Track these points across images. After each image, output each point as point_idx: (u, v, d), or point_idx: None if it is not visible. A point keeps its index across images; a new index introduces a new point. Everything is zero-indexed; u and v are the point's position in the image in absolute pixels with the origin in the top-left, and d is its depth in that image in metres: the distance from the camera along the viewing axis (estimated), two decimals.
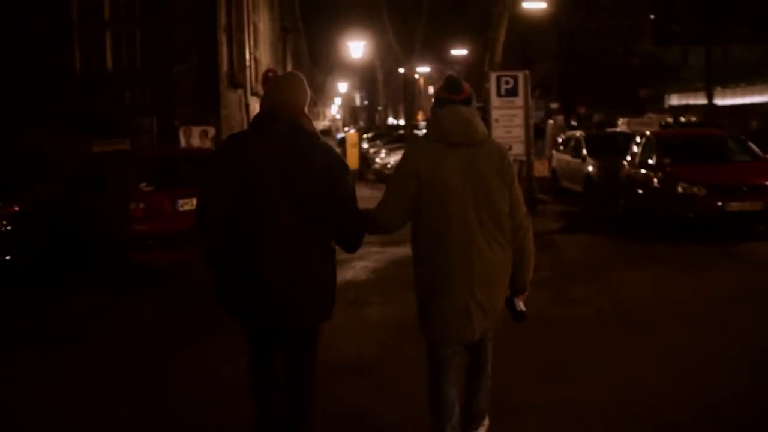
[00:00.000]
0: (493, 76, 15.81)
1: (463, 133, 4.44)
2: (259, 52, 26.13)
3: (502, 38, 19.48)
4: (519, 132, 15.81)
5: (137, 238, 9.99)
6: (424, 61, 49.46)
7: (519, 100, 15.83)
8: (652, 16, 56.06)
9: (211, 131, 14.55)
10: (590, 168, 18.61)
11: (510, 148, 14.64)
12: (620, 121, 40.43)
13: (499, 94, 15.77)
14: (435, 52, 57.67)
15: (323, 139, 4.47)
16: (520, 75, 15.87)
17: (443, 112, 4.51)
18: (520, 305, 4.67)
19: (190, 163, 10.99)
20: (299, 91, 4.39)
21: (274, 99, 4.37)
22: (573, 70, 48.38)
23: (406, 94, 36.31)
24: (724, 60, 47.36)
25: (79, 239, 10.74)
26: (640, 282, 9.97)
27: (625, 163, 16.35)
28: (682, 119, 42.34)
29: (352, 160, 28.25)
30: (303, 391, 4.42)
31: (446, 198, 4.38)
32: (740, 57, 51.71)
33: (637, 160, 15.43)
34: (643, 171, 14.84)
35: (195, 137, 14.37)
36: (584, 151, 19.12)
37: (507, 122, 15.78)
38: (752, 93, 48.08)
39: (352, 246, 4.49)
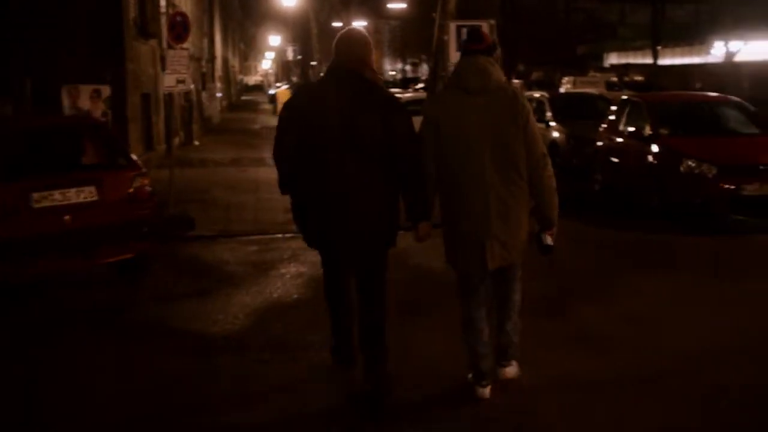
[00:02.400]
0: (452, 27, 12.85)
1: (479, 80, 4.71)
2: None
3: None
4: None
5: None
6: (360, 14, 46.46)
7: None
8: None
9: (106, 91, 11.28)
10: (555, 135, 15.86)
11: None
12: (565, 79, 38.13)
13: (459, 47, 12.82)
14: (372, 5, 54.69)
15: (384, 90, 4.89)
16: (484, 25, 12.90)
17: (462, 62, 4.86)
18: (547, 239, 4.89)
19: (62, 138, 7.85)
20: (361, 45, 4.79)
21: (341, 53, 4.76)
22: (513, 26, 45.65)
23: None
24: (660, 20, 45.09)
25: None
26: (670, 300, 7.25)
27: (601, 131, 13.64)
28: (627, 78, 40.21)
29: None
30: (378, 306, 4.90)
31: (464, 142, 4.71)
32: (674, 17, 49.82)
33: (620, 128, 12.71)
34: (630, 143, 12.14)
35: (84, 99, 11.11)
36: (548, 115, 16.32)
37: None
38: (691, 54, 46.27)
39: (415, 184, 4.71)
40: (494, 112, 4.67)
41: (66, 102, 10.87)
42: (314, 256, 9.05)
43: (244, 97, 67.01)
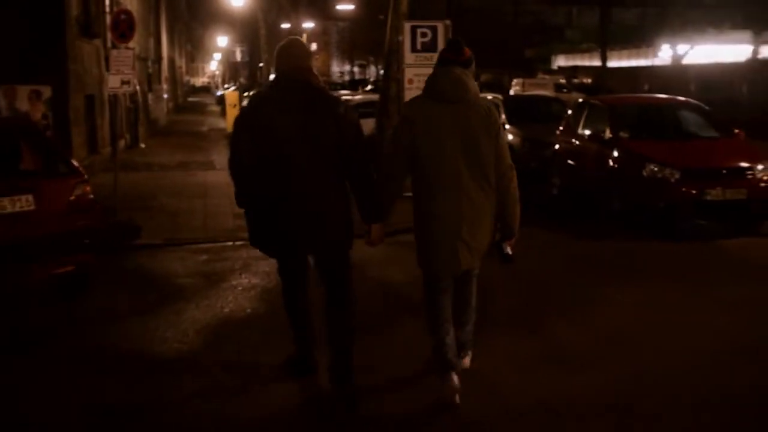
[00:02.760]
0: (407, 27, 12.44)
1: (454, 91, 4.86)
2: None
3: None
4: None
5: None
6: (308, 15, 45.93)
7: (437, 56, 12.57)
8: None
9: (46, 92, 10.63)
10: (510, 138, 15.53)
11: None
12: (514, 81, 38.07)
13: (414, 49, 12.44)
14: (320, 6, 54.18)
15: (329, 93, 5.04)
16: (440, 26, 12.58)
17: (439, 71, 5.02)
18: (508, 249, 5.05)
19: None
20: (303, 54, 4.96)
21: (285, 64, 4.90)
22: (460, 28, 45.27)
23: None
24: (608, 22, 45.35)
25: None
26: (642, 311, 6.93)
27: (558, 134, 13.37)
28: (575, 80, 40.32)
29: (232, 121, 24.43)
30: (341, 308, 5.01)
31: (438, 149, 4.83)
32: (622, 19, 50.17)
33: (579, 131, 12.44)
34: (589, 146, 11.86)
35: (22, 100, 10.46)
36: (503, 118, 16.00)
37: (423, 83, 12.52)
38: (638, 56, 46.57)
39: (365, 185, 4.85)
40: (469, 122, 4.82)
41: (2, 103, 10.21)
42: (266, 266, 8.65)
43: (191, 99, 65.95)
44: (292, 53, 4.92)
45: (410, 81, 12.20)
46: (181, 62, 61.39)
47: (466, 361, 5.43)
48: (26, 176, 6.93)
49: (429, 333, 5.08)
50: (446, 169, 4.80)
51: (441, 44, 12.55)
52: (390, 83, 14.82)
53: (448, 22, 12.62)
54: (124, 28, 10.43)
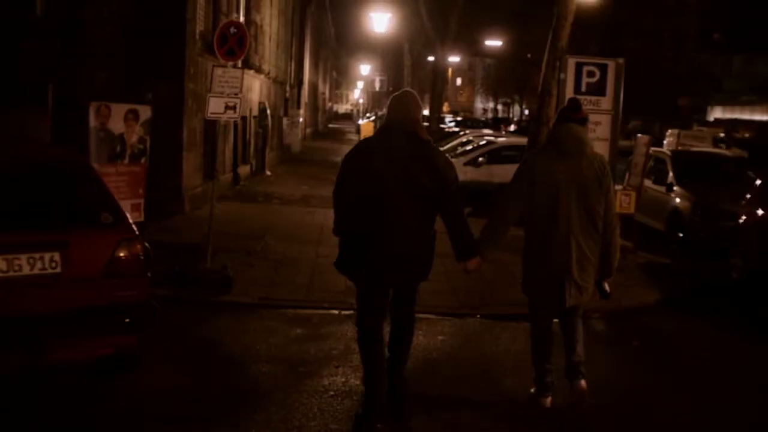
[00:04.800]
0: (571, 63, 10.14)
1: (575, 147, 5.35)
2: (261, 16, 20.48)
3: (571, 17, 13.69)
4: (602, 149, 10.20)
5: None
6: (455, 49, 44.09)
7: (606, 102, 10.24)
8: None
9: (145, 112, 8.90)
10: (678, 201, 12.96)
11: None
12: (668, 132, 34.80)
13: (578, 90, 10.14)
14: (466, 41, 52.24)
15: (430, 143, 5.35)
16: (611, 64, 10.25)
17: (561, 128, 5.47)
18: (606, 287, 5.66)
19: (20, 179, 5.27)
20: (413, 106, 5.34)
21: (396, 112, 5.33)
22: None
23: (435, 83, 30.56)
24: None
25: None
26: None
27: (746, 202, 10.75)
28: (736, 135, 36.71)
29: None
30: (407, 325, 5.54)
31: (555, 198, 5.31)
32: None
33: None
34: None
35: (116, 119, 8.76)
36: (670, 177, 13.42)
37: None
38: None
39: (459, 229, 5.27)
40: (584, 174, 5.30)
41: (93, 121, 8.53)
42: None
43: (331, 125, 65.23)
44: (404, 103, 5.33)
45: None
46: (324, 88, 60.72)
47: (582, 383, 5.58)
48: (53, 228, 5.01)
49: (533, 358, 5.66)
50: (561, 218, 5.28)
51: (611, 87, 10.24)
52: (541, 127, 12.60)
53: (621, 60, 10.27)
54: (232, 43, 8.63)
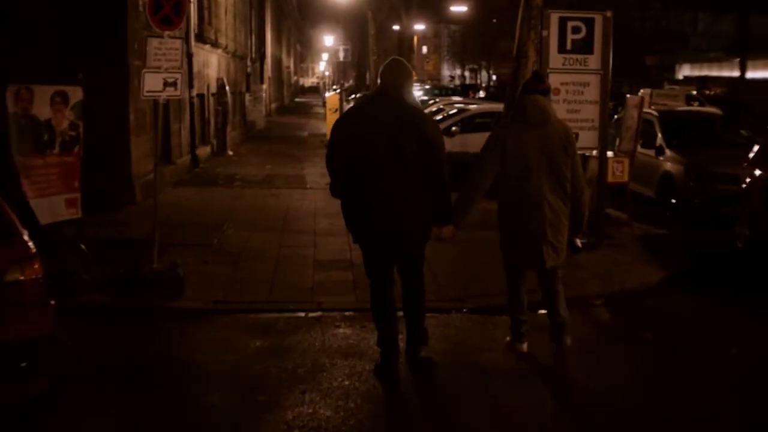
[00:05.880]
0: (554, 18, 8.98)
1: (540, 116, 5.67)
2: None
3: None
4: (591, 112, 9.13)
5: None
6: (420, 17, 42.71)
7: (594, 60, 9.10)
8: None
9: (76, 94, 7.61)
10: (669, 166, 11.90)
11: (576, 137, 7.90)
12: (641, 92, 33.84)
13: (563, 49, 9.02)
14: (432, 8, 50.83)
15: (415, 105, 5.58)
16: (598, 18, 9.11)
17: (526, 100, 5.74)
18: (577, 242, 6.77)
19: None
20: (402, 73, 5.47)
21: (384, 79, 5.45)
22: None
23: (401, 52, 29.37)
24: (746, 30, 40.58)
25: None
26: None
27: (748, 164, 9.72)
28: (708, 92, 35.84)
29: (331, 127, 21.17)
30: (417, 277, 5.61)
31: (526, 165, 5.63)
32: (759, 27, 45.02)
33: None
34: None
35: (40, 104, 7.47)
36: (659, 139, 12.33)
37: (574, 95, 9.09)
38: None
39: (440, 198, 5.35)
40: (551, 142, 5.66)
41: (12, 107, 7.26)
42: (344, 376, 5.51)
43: (298, 99, 63.63)
44: (392, 70, 5.49)
45: (556, 91, 8.76)
46: (289, 62, 59.04)
47: (568, 339, 5.99)
48: None
49: (509, 310, 6.03)
50: (532, 183, 5.62)
51: (599, 44, 9.11)
52: (517, 91, 11.48)
53: (609, 14, 9.13)
54: (168, 9, 7.38)
